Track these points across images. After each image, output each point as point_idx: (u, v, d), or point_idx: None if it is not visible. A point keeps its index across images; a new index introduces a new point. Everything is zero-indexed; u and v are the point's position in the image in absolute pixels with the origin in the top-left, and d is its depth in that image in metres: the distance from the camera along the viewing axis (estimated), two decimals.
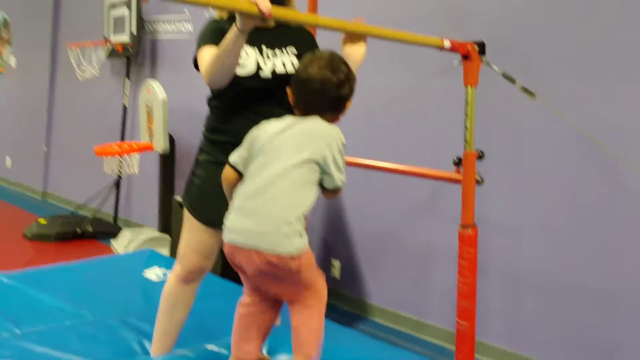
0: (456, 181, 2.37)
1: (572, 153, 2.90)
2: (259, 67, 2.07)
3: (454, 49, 2.24)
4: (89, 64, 5.45)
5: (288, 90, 1.84)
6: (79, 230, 5.26)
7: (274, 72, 2.08)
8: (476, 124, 2.85)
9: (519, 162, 3.12)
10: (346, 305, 3.94)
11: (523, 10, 3.09)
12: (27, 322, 2.68)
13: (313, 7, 2.81)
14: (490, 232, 3.18)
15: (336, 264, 4.01)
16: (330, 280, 4.01)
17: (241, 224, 1.72)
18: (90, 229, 5.32)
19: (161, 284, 3.21)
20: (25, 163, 7.14)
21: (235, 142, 1.88)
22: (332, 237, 4.04)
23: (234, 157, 1.83)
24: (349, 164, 2.96)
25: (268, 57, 2.09)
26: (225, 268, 3.45)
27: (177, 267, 2.26)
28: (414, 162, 2.86)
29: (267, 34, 2.12)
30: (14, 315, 2.72)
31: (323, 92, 1.77)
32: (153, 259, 3.59)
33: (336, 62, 1.79)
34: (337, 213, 3.99)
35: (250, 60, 2.06)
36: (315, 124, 1.78)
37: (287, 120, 1.80)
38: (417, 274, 3.61)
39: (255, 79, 2.06)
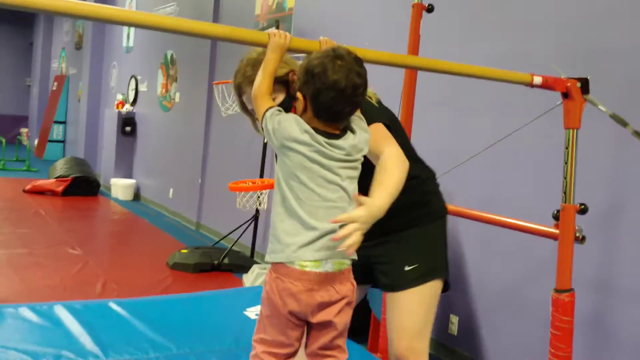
0: (553, 237, 2.07)
1: None
2: None
3: (547, 86, 1.96)
4: (233, 102, 5.65)
5: (299, 95, 1.67)
6: (215, 262, 5.40)
7: None
8: (610, 173, 2.50)
9: None
10: None
11: None
12: (116, 350, 2.73)
13: (414, 49, 2.62)
14: (622, 299, 2.76)
15: (454, 320, 3.72)
16: (447, 337, 3.74)
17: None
18: (226, 261, 5.44)
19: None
20: (183, 194, 7.55)
21: None
22: (451, 291, 3.75)
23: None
24: (466, 215, 2.76)
25: None
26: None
27: None
28: (532, 215, 2.56)
29: None
30: (107, 342, 2.79)
31: (352, 98, 1.62)
32: (259, 296, 3.56)
33: (359, 64, 1.63)
34: (457, 266, 3.71)
35: None
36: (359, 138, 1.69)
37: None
38: (540, 338, 3.23)
39: None
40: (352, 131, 1.68)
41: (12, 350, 2.60)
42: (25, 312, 3.00)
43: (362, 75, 1.62)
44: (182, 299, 3.51)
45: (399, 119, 2.89)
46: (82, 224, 7.04)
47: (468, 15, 3.67)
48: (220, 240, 6.01)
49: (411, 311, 1.93)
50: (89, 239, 6.27)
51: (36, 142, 13.95)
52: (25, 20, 16.45)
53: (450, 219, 3.74)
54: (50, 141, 12.98)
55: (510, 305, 3.41)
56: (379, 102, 1.98)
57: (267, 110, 1.66)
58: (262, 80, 1.70)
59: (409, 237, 1.93)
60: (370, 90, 1.93)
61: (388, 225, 1.81)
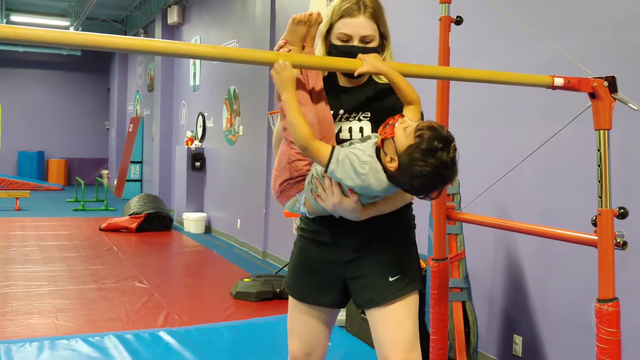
0: (593, 245, 1.93)
1: None
2: None
3: (571, 87, 1.85)
4: None
5: (392, 170, 1.61)
6: (277, 290, 5.38)
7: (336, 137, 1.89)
8: None
9: None
10: None
11: None
12: None
13: (445, 59, 2.52)
14: None
15: (518, 340, 3.55)
16: (511, 358, 3.56)
17: None
18: None
19: None
20: (250, 224, 7.62)
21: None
22: (514, 310, 3.59)
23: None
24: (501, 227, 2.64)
25: (341, 120, 1.92)
26: None
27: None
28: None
29: (347, 95, 1.93)
30: None
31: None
32: None
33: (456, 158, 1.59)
34: (518, 283, 3.55)
35: None
36: None
37: None
38: None
39: None
40: None
41: None
42: (77, 344, 3.07)
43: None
44: (230, 326, 3.52)
45: None
46: (152, 259, 7.20)
47: (498, 25, 3.56)
48: (283, 267, 6.00)
49: (401, 323, 1.84)
50: (157, 272, 6.39)
51: (115, 182, 14.49)
52: (102, 67, 17.25)
53: (506, 235, 3.62)
54: (128, 180, 13.46)
55: (575, 321, 3.22)
56: None
57: (331, 154, 1.63)
58: (297, 125, 1.62)
59: (386, 249, 1.86)
60: None
61: (362, 236, 1.85)
